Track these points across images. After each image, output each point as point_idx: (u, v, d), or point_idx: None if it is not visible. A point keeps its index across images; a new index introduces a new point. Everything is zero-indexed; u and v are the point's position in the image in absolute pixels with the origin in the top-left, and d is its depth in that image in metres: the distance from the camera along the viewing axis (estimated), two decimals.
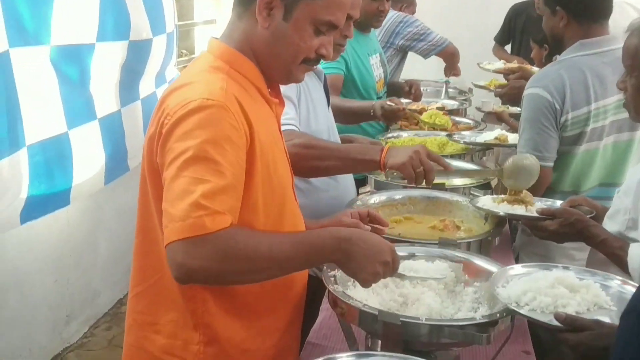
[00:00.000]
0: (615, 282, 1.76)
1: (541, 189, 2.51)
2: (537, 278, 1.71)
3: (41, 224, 2.98)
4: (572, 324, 1.52)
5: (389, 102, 3.22)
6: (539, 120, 2.53)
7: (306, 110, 2.39)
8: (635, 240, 1.90)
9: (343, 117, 3.18)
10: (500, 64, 4.67)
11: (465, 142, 3.18)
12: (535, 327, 1.89)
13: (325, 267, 1.77)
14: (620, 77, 2.03)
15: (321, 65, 3.26)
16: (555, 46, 2.77)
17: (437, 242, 1.99)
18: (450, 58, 4.97)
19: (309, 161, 2.19)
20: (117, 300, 4.48)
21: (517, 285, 1.69)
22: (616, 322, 1.21)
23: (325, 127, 2.48)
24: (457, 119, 3.94)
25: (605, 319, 1.55)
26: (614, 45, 2.47)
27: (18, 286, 3.40)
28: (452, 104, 4.43)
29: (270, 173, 1.63)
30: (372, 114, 3.25)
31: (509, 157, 2.45)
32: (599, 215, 2.14)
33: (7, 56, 2.09)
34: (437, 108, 4.02)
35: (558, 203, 2.30)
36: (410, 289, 1.75)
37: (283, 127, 1.98)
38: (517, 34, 5.56)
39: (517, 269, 1.82)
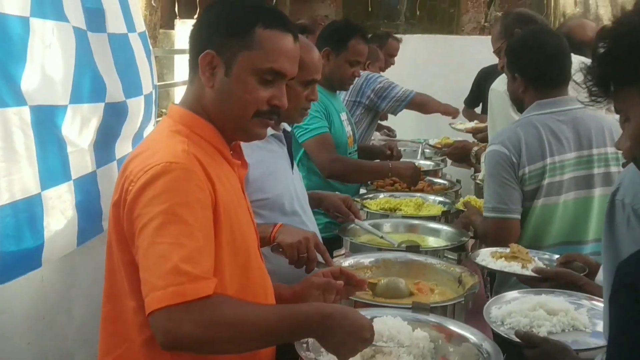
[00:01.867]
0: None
1: (512, 242, 2.55)
2: (524, 301, 1.98)
3: (14, 286, 2.93)
4: (527, 340, 1.76)
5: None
6: (500, 174, 2.65)
7: (264, 175, 2.37)
8: None
9: (360, 176, 3.59)
10: (471, 124, 4.76)
11: None
12: None
13: None
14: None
15: (309, 128, 3.38)
16: (517, 108, 2.89)
17: (410, 306, 1.98)
18: (421, 108, 4.93)
19: None
20: None
21: (507, 307, 1.98)
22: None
23: (289, 189, 2.49)
24: (434, 180, 3.98)
25: (578, 338, 1.82)
26: (571, 106, 2.58)
27: None
28: (428, 164, 4.47)
29: (233, 232, 1.64)
30: (389, 175, 3.53)
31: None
32: (592, 271, 2.23)
33: None
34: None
35: (555, 257, 2.43)
36: (383, 357, 1.73)
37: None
38: (486, 96, 5.62)
39: (514, 294, 2.10)
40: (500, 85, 3.20)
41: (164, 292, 1.41)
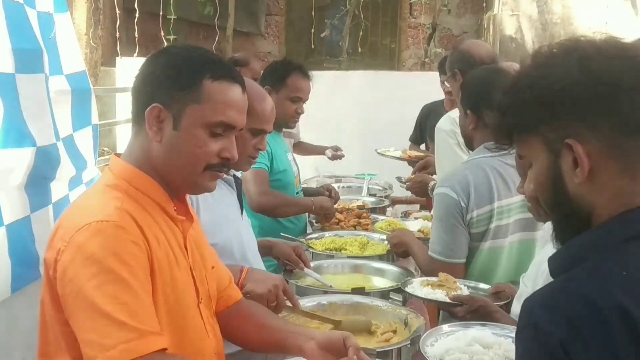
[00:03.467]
0: None
1: None
2: (458, 337, 2.02)
3: None
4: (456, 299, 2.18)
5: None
6: (448, 220, 2.68)
7: (211, 222, 2.32)
8: None
9: (287, 210, 3.58)
10: (399, 152, 4.79)
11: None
12: None
13: None
14: (519, 184, 2.13)
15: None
16: (466, 143, 2.88)
17: None
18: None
19: None
20: None
21: (442, 344, 1.99)
22: None
23: (236, 236, 2.45)
24: (378, 217, 3.97)
25: None
26: None
27: None
28: (372, 200, 4.46)
29: (166, 293, 1.59)
30: (312, 209, 3.57)
31: None
32: None
33: None
34: (358, 206, 4.05)
35: (482, 287, 2.51)
36: None
37: None
38: (430, 132, 5.68)
39: (444, 328, 2.12)
40: (445, 124, 3.21)
41: (116, 351, 1.38)
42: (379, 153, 4.90)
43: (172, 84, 1.64)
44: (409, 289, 2.43)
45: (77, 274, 1.44)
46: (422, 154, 4.79)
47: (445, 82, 4.69)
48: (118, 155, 1.73)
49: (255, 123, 2.43)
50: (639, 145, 1.21)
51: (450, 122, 3.08)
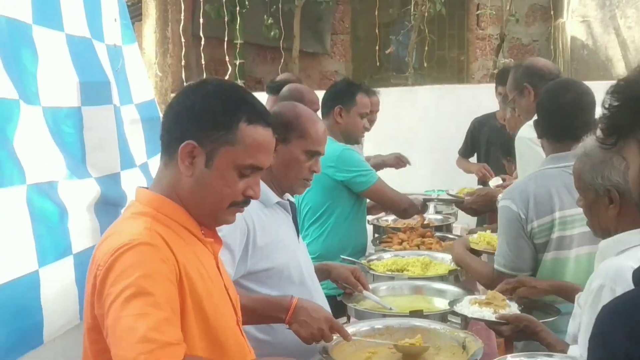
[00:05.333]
0: None
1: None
2: None
3: None
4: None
5: None
6: (510, 232, 2.70)
7: (268, 245, 2.36)
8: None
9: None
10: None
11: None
12: None
13: None
14: (578, 197, 2.14)
15: (370, 172, 3.72)
16: None
17: None
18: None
19: None
20: None
21: None
22: None
23: (293, 259, 2.47)
24: (444, 235, 3.93)
25: None
26: None
27: None
28: (437, 219, 4.41)
29: (203, 309, 1.64)
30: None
31: None
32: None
33: None
34: (422, 225, 4.01)
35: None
36: None
37: None
38: (482, 145, 5.58)
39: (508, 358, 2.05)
40: (528, 132, 3.16)
41: None
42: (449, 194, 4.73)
43: (209, 123, 1.69)
44: (457, 308, 2.43)
45: (109, 292, 1.52)
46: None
47: (502, 94, 4.65)
48: (144, 188, 1.80)
49: (310, 145, 2.50)
50: None
51: (531, 130, 3.06)
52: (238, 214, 1.84)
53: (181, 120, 1.72)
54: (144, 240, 1.56)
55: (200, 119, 1.69)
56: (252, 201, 1.94)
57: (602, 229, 2.18)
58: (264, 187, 2.35)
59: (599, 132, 1.43)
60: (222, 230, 2.02)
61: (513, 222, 2.68)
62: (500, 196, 3.74)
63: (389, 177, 5.36)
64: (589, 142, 2.22)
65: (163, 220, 1.66)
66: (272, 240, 2.40)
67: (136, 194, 1.77)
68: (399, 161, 4.92)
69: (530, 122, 3.18)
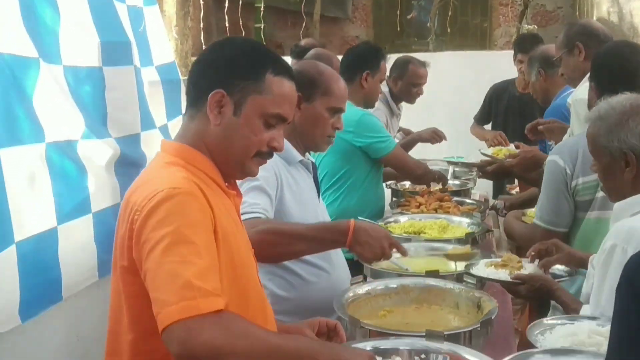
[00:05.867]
0: None
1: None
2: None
3: (47, 317, 2.96)
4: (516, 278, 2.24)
5: None
6: (552, 186, 2.76)
7: (292, 202, 2.39)
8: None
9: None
10: (501, 149, 4.53)
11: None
12: None
13: None
14: (592, 162, 2.13)
15: (389, 138, 3.78)
16: None
17: (424, 333, 1.94)
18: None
19: (275, 247, 2.22)
20: None
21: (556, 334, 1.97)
22: None
23: (313, 219, 2.48)
24: (462, 199, 3.93)
25: None
26: None
27: None
28: (455, 184, 4.39)
29: (233, 258, 1.68)
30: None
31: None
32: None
33: None
34: (441, 190, 4.01)
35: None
36: None
37: (249, 215, 2.04)
38: (499, 113, 5.52)
39: (547, 321, 2.09)
40: (584, 94, 3.11)
41: (177, 307, 1.45)
42: (482, 153, 4.67)
43: (237, 73, 1.74)
44: (473, 271, 2.44)
45: (149, 238, 1.54)
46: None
47: (522, 61, 4.59)
48: (168, 140, 1.82)
49: (334, 102, 2.56)
50: None
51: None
52: (268, 167, 1.93)
53: (209, 72, 1.77)
54: (185, 189, 1.59)
55: (228, 69, 1.74)
56: (277, 159, 1.99)
57: (617, 192, 2.17)
58: (287, 145, 2.39)
59: None
60: (259, 178, 2.12)
61: (557, 177, 2.72)
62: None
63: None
64: (603, 105, 2.19)
65: (192, 171, 1.70)
66: (295, 197, 2.44)
67: (162, 145, 1.81)
68: (435, 135, 4.87)
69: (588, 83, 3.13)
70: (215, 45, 1.86)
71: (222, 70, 1.74)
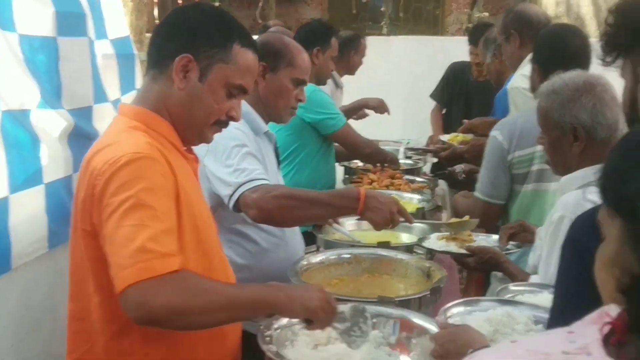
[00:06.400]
0: None
1: (490, 224, 2.86)
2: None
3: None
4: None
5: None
6: (491, 160, 2.90)
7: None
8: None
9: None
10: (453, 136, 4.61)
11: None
12: None
13: (261, 326, 1.78)
14: (539, 135, 2.20)
15: (338, 115, 3.77)
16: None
17: (376, 299, 2.00)
18: None
19: (293, 211, 2.26)
20: None
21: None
22: None
23: None
24: (413, 178, 4.01)
25: None
26: None
27: None
28: (407, 163, 4.47)
29: (197, 223, 1.69)
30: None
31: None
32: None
33: None
34: (392, 167, 4.08)
35: (493, 237, 2.65)
36: (344, 348, 1.76)
37: (257, 182, 2.07)
38: (454, 94, 5.55)
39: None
40: (523, 81, 3.19)
41: (132, 269, 1.45)
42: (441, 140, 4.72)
43: (205, 39, 1.76)
44: (425, 244, 2.54)
45: (109, 203, 1.54)
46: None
47: (472, 53, 4.68)
48: (126, 104, 1.83)
49: (298, 74, 2.61)
50: None
51: (524, 80, 3.11)
52: (245, 137, 2.07)
53: (176, 35, 1.77)
54: (147, 153, 1.59)
55: (197, 34, 1.75)
56: (245, 128, 2.02)
57: (564, 166, 2.26)
58: (255, 115, 2.43)
59: (599, 49, 1.48)
60: (247, 144, 2.26)
61: (495, 151, 2.85)
62: None
63: (363, 125, 5.42)
64: (557, 80, 2.27)
65: (153, 136, 1.71)
66: (264, 166, 2.46)
67: (121, 109, 1.81)
68: (381, 105, 4.98)
69: (524, 72, 3.23)
70: (182, 9, 1.88)
71: (191, 35, 1.75)
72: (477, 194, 2.97)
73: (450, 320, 1.88)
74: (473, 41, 5.07)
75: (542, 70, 2.79)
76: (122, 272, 1.47)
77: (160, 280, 1.46)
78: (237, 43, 1.78)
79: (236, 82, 1.77)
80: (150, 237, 1.49)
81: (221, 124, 1.81)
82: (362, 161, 4.25)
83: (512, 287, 2.18)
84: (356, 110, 4.95)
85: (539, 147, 2.67)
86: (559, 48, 2.82)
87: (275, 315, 1.80)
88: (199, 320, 1.57)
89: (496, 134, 2.89)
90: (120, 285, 1.46)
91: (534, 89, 2.93)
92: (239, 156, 2.24)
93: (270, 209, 2.14)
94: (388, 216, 2.29)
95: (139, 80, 3.73)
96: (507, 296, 2.09)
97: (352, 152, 4.14)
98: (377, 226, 2.32)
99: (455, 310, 1.97)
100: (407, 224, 2.49)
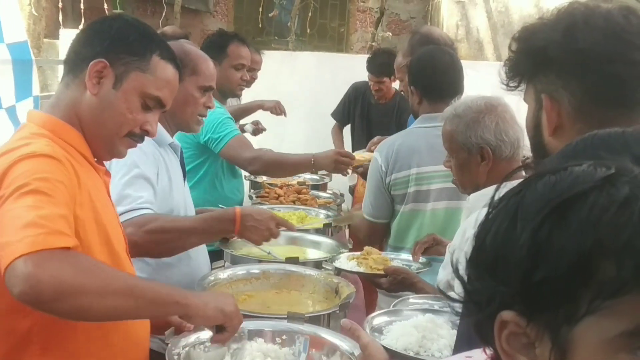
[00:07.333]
0: None
1: (375, 242, 2.91)
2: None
3: None
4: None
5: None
6: (372, 182, 2.96)
7: (166, 186, 2.37)
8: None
9: (282, 171, 3.63)
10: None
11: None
12: None
13: (169, 345, 1.74)
14: (446, 158, 2.27)
15: (221, 134, 3.43)
16: (415, 118, 3.10)
17: (286, 316, 2.00)
18: None
19: (167, 244, 2.19)
20: None
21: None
22: None
23: (182, 202, 2.48)
24: (319, 193, 4.04)
25: None
26: None
27: None
28: (313, 178, 4.51)
29: (107, 235, 1.63)
30: (312, 163, 3.37)
31: None
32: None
33: None
34: (299, 183, 4.10)
35: (404, 256, 2.72)
36: None
37: (136, 213, 2.01)
38: (356, 116, 5.66)
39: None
40: None
41: (21, 243, 1.33)
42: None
43: (124, 47, 1.71)
44: (336, 263, 2.55)
45: (3, 194, 1.44)
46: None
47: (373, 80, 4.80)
48: (36, 110, 1.76)
49: (203, 81, 2.58)
50: (607, 116, 1.27)
51: None
52: (145, 149, 1.96)
53: (95, 41, 1.72)
54: (47, 152, 1.52)
55: (115, 41, 1.71)
56: (148, 140, 1.96)
57: (472, 185, 2.32)
58: (159, 127, 2.35)
59: (503, 74, 1.48)
60: (139, 165, 2.13)
61: (375, 173, 2.91)
62: None
63: (265, 140, 5.42)
64: (459, 104, 2.33)
65: (60, 145, 1.63)
66: (168, 181, 2.41)
67: (29, 115, 1.73)
68: (277, 106, 4.97)
69: None
70: (106, 18, 1.83)
71: (109, 41, 1.70)
72: (364, 214, 3.01)
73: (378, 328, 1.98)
74: (371, 69, 5.20)
75: (418, 94, 2.95)
76: (7, 247, 1.34)
77: (51, 253, 1.34)
78: (158, 55, 1.75)
79: (152, 93, 1.73)
80: (43, 215, 1.37)
81: (135, 137, 1.75)
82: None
83: (412, 299, 2.27)
84: (251, 110, 4.93)
85: (414, 170, 2.83)
86: (429, 74, 2.93)
87: (183, 322, 1.77)
88: (93, 305, 1.41)
89: (377, 155, 2.96)
90: (6, 260, 1.32)
91: (413, 112, 3.07)
92: (126, 179, 2.16)
93: (142, 245, 2.05)
94: (266, 233, 2.32)
95: (36, 87, 3.61)
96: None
97: (241, 168, 3.87)
98: (256, 243, 2.38)
99: (379, 319, 2.04)
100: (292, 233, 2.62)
